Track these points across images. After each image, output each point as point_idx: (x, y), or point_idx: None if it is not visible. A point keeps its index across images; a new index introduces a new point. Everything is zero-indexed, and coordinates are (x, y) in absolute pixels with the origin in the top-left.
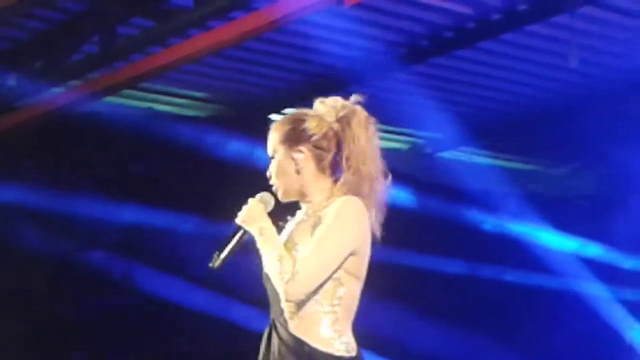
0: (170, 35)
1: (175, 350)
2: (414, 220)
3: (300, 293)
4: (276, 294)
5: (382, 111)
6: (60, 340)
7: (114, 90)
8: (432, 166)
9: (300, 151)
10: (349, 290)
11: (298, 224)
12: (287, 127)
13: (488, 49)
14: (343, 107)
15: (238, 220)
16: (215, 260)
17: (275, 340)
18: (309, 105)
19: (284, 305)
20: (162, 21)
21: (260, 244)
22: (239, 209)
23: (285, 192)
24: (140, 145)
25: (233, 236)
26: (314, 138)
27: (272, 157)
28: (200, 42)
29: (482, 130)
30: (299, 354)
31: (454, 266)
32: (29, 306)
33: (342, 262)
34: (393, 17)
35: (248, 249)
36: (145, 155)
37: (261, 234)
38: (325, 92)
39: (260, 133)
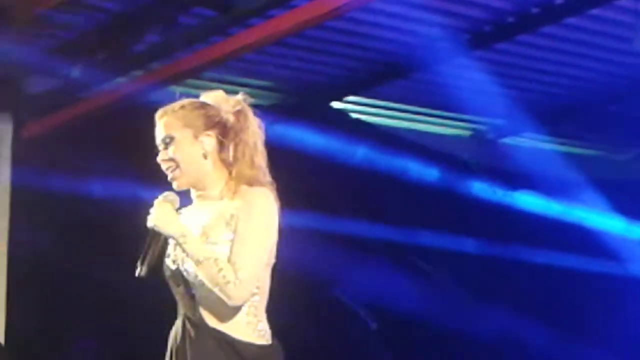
0: (231, 25)
1: None
2: (475, 208)
3: (245, 296)
4: (189, 289)
5: (443, 98)
6: None
7: (176, 79)
8: (494, 152)
9: (209, 135)
10: (264, 278)
11: (207, 218)
12: (191, 112)
13: (551, 33)
14: (237, 101)
15: (151, 225)
16: (141, 269)
17: (192, 337)
18: (372, 93)
19: (199, 302)
20: (224, 10)
21: (184, 248)
22: (307, 197)
23: (184, 178)
24: None
25: (151, 241)
26: (217, 126)
27: (168, 142)
28: (261, 31)
29: (545, 115)
30: (220, 347)
31: (517, 253)
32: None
33: None
34: (455, 3)
35: None
36: None
37: (183, 237)
38: (387, 79)
39: (321, 120)
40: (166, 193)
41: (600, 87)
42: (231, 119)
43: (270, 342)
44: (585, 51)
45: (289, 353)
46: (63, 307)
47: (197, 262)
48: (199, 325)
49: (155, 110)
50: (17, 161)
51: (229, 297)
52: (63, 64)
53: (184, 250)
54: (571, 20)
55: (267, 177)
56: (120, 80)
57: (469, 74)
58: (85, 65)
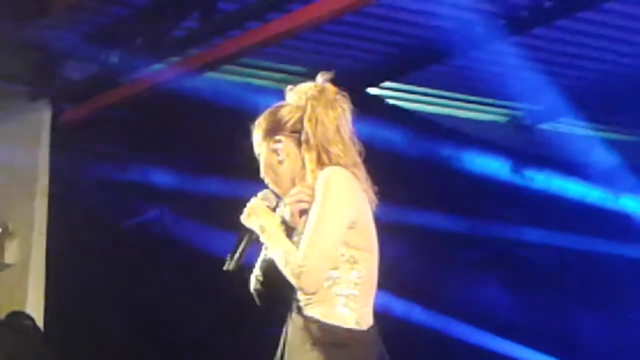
0: (269, 10)
1: None
2: (512, 194)
3: (313, 285)
4: (289, 282)
5: (479, 83)
6: None
7: (213, 66)
8: (531, 138)
9: (279, 140)
10: (365, 267)
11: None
12: (263, 125)
13: (588, 18)
14: (310, 88)
15: (242, 219)
16: (229, 263)
17: (290, 324)
18: (408, 78)
19: (298, 294)
20: None
21: (264, 241)
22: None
23: (278, 186)
24: (238, 120)
25: (242, 236)
26: (288, 124)
27: (259, 160)
28: (298, 17)
29: (583, 101)
30: (307, 331)
31: (556, 240)
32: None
33: (345, 237)
34: None
35: None
36: (245, 130)
37: (262, 231)
38: (423, 65)
39: (358, 107)
40: (265, 191)
41: (639, 72)
42: (308, 109)
43: (363, 328)
44: (624, 36)
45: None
46: (102, 291)
47: (274, 254)
48: (296, 314)
49: (193, 96)
50: (56, 147)
51: (299, 287)
52: (101, 50)
53: (265, 243)
54: (610, 4)
55: (355, 165)
56: (158, 66)
57: (505, 60)
58: (123, 51)
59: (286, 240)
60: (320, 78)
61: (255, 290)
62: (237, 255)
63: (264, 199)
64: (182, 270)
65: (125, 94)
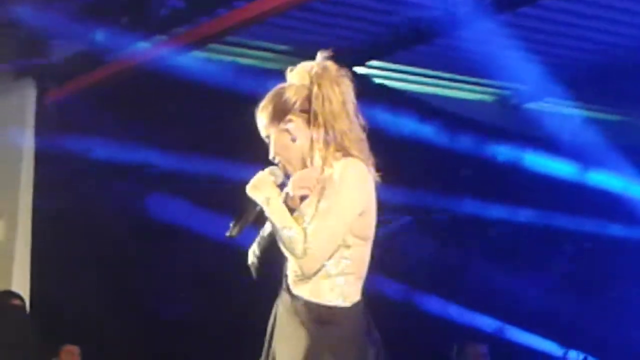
0: None
1: None
2: (500, 174)
3: (314, 267)
4: (283, 260)
5: (466, 63)
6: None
7: (199, 44)
8: (518, 118)
9: (290, 120)
10: (356, 252)
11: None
12: (270, 107)
13: None
14: (312, 67)
15: (247, 190)
16: (232, 230)
17: (279, 303)
18: (395, 58)
19: (288, 271)
20: None
21: (267, 214)
22: None
23: (291, 168)
24: (225, 99)
25: (247, 205)
26: (297, 105)
27: (268, 142)
28: None
29: (570, 80)
30: (294, 309)
31: (541, 218)
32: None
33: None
34: None
35: None
36: (231, 110)
37: (267, 204)
38: (410, 44)
39: None
40: (272, 167)
41: (626, 51)
42: (314, 87)
43: (347, 305)
44: (611, 15)
45: None
46: (87, 269)
47: (275, 229)
48: (285, 293)
49: (179, 74)
50: (41, 127)
51: (300, 267)
52: (86, 29)
53: (268, 215)
54: None
55: (360, 142)
56: (144, 45)
57: (492, 39)
58: (108, 29)
59: (290, 216)
60: (320, 56)
61: (252, 264)
62: (239, 223)
63: (272, 174)
64: (167, 251)
65: (111, 73)
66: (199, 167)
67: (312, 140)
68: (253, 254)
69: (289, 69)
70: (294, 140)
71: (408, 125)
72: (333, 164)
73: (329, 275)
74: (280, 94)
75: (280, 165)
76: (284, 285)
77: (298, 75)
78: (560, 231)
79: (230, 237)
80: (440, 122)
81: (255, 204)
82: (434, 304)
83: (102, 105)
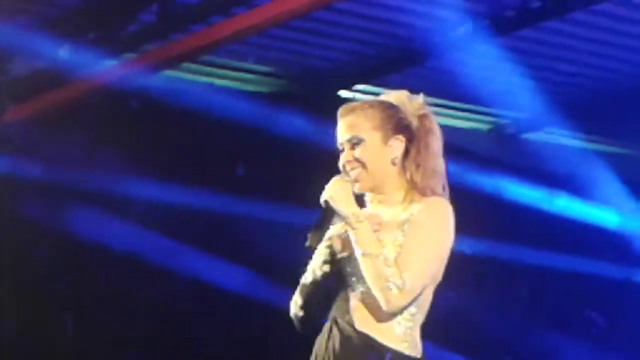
0: (233, 4)
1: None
2: (494, 207)
3: (403, 305)
4: (345, 291)
5: (460, 88)
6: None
7: (172, 63)
8: (515, 149)
9: (399, 140)
10: (427, 294)
11: (381, 219)
12: (382, 113)
13: (579, 19)
14: (422, 104)
15: (325, 197)
16: (311, 239)
17: (336, 338)
18: (384, 81)
19: (353, 304)
20: None
21: (355, 234)
22: (307, 192)
23: (367, 182)
24: (199, 121)
25: (325, 213)
26: (406, 129)
27: (355, 143)
28: (266, 11)
29: (572, 109)
30: (363, 349)
31: (537, 257)
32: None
33: None
34: None
35: None
36: (204, 133)
37: (358, 221)
38: (400, 67)
39: (327, 110)
40: (342, 175)
41: (632, 79)
42: (415, 122)
43: (418, 356)
44: (616, 40)
45: None
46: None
47: (364, 255)
48: (348, 328)
49: (149, 95)
50: None
51: (388, 301)
52: (49, 44)
53: (354, 237)
54: (601, 6)
55: (445, 187)
56: (112, 62)
57: (488, 63)
58: (73, 45)
59: (381, 245)
60: (421, 97)
61: (296, 316)
62: (319, 232)
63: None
64: (126, 278)
65: (75, 93)
66: (168, 193)
67: (402, 171)
68: (296, 304)
69: (385, 93)
70: (393, 162)
71: None
72: (417, 200)
73: (401, 317)
74: (394, 108)
75: (350, 176)
76: (342, 320)
77: (400, 100)
78: (550, 269)
79: (310, 247)
80: None
81: (333, 213)
82: None
83: (66, 127)
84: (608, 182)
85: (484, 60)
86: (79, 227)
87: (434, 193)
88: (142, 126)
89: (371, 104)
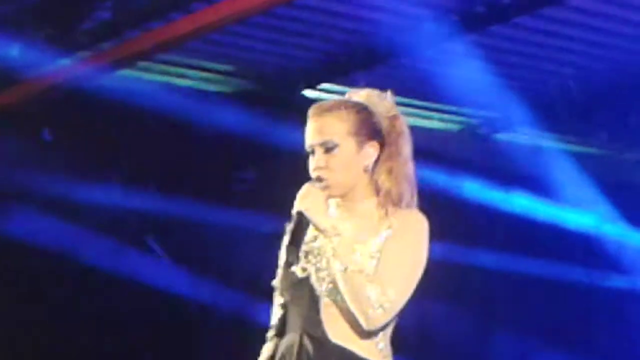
0: (192, 0)
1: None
2: (464, 210)
3: (385, 323)
4: (315, 302)
5: (429, 87)
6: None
7: (128, 62)
8: (486, 149)
9: (374, 147)
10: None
11: (354, 229)
12: (357, 116)
13: (553, 15)
14: (392, 104)
15: (301, 208)
16: (288, 255)
17: (311, 355)
18: (349, 80)
19: (323, 315)
20: None
21: (332, 248)
22: (272, 199)
23: (337, 189)
24: (156, 123)
25: (298, 230)
26: (379, 134)
27: (330, 148)
28: (226, 7)
29: (545, 108)
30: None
31: (508, 261)
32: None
33: None
34: None
35: None
36: (162, 135)
37: (337, 235)
38: (366, 65)
39: (291, 111)
40: (314, 178)
41: (608, 76)
42: (385, 124)
43: None
44: (593, 37)
45: None
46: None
47: (344, 270)
48: (322, 341)
49: (104, 95)
50: None
51: (370, 319)
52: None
53: (331, 250)
54: (576, 0)
55: (414, 193)
56: (65, 61)
57: (458, 61)
58: (24, 43)
59: (363, 260)
60: (390, 96)
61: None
62: (295, 245)
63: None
64: (78, 286)
65: (27, 93)
66: (124, 199)
67: (374, 176)
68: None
69: (352, 91)
70: (365, 170)
71: None
72: (393, 213)
73: (382, 333)
74: (367, 110)
75: (323, 183)
76: (313, 332)
77: (370, 100)
78: (523, 275)
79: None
80: None
81: (303, 228)
82: None
83: (16, 129)
84: (581, 184)
85: (453, 58)
86: (19, 229)
87: (406, 202)
88: (95, 127)
89: (345, 105)
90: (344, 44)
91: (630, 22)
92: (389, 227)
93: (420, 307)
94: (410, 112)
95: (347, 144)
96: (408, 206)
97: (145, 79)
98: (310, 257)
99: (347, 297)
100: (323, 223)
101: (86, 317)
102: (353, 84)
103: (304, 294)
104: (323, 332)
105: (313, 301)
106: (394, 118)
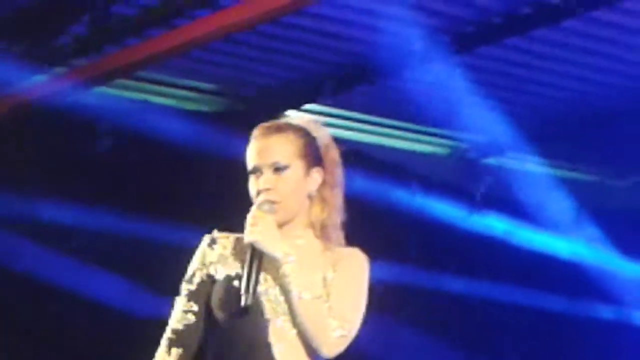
0: (173, 16)
1: None
2: (452, 236)
3: (343, 348)
4: (265, 326)
5: (417, 108)
6: None
7: (105, 79)
8: (475, 174)
9: (319, 172)
10: None
11: (302, 252)
12: (304, 140)
13: (545, 37)
14: (327, 132)
15: (252, 239)
16: (247, 297)
17: None
18: (334, 101)
19: (272, 338)
20: None
21: (287, 274)
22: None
23: (284, 213)
24: (134, 143)
25: (252, 261)
26: (321, 162)
27: (280, 169)
28: (208, 24)
29: (535, 133)
30: None
31: (498, 292)
32: None
33: None
34: None
35: None
36: (140, 155)
37: (292, 261)
38: (353, 85)
39: None
40: (261, 202)
41: (600, 101)
42: (323, 152)
43: None
44: (585, 59)
45: None
46: None
47: (299, 297)
48: None
49: (80, 113)
50: None
51: (327, 345)
52: None
53: (286, 277)
54: (569, 22)
55: (342, 227)
56: (40, 77)
57: (447, 82)
58: None
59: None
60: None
61: None
62: (252, 286)
63: (266, 212)
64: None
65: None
66: (98, 221)
67: (314, 208)
68: None
69: (289, 118)
70: (310, 196)
71: (350, 179)
72: (332, 250)
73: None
74: (312, 136)
75: (269, 207)
76: (263, 354)
77: (309, 127)
78: (510, 305)
79: (247, 307)
80: (386, 177)
81: (259, 256)
82: None
83: None
84: (569, 210)
85: (442, 79)
86: None
87: (336, 235)
88: (73, 146)
89: (293, 128)
90: (329, 63)
91: (626, 46)
92: (332, 267)
93: (397, 333)
94: (397, 135)
95: (296, 167)
96: (338, 239)
97: (122, 96)
98: (269, 279)
99: (305, 323)
100: (276, 251)
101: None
102: (337, 104)
103: (258, 318)
104: (270, 356)
105: (261, 325)
106: (329, 146)
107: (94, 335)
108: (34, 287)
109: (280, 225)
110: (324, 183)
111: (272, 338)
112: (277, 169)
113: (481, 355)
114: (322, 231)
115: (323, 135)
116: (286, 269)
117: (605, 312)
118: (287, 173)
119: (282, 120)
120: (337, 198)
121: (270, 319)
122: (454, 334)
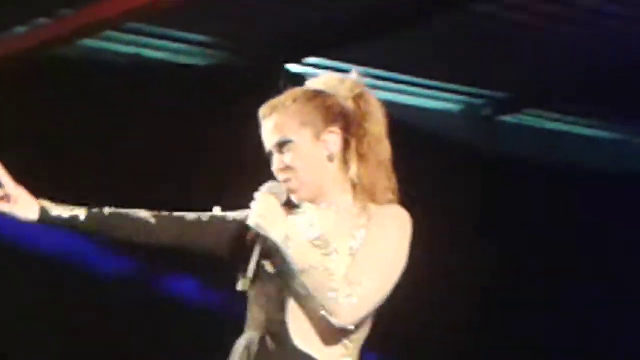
0: None
1: None
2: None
3: (355, 319)
4: (280, 302)
5: (429, 63)
6: None
7: (90, 30)
8: (489, 132)
9: (334, 132)
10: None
11: (328, 223)
12: (307, 105)
13: None
14: (354, 83)
15: (253, 223)
16: (244, 282)
17: (272, 355)
18: (338, 54)
19: (289, 316)
20: None
21: (285, 254)
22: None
23: (305, 190)
24: (124, 99)
25: (252, 246)
26: (340, 117)
27: (283, 146)
28: None
29: (559, 88)
30: None
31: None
32: None
33: None
34: None
35: None
36: (130, 112)
37: (286, 241)
38: (358, 38)
39: (273, 87)
40: (271, 184)
41: (623, 53)
42: (351, 106)
43: None
44: (607, 8)
45: None
46: None
47: (302, 271)
48: (285, 343)
49: (65, 68)
50: None
51: (334, 314)
52: None
53: (284, 257)
54: None
55: (393, 179)
56: (21, 29)
57: (462, 34)
58: None
59: (319, 254)
60: (356, 74)
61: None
62: (251, 271)
63: (274, 194)
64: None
65: None
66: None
67: (343, 167)
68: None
69: (310, 80)
70: (330, 158)
71: None
72: (370, 208)
73: (348, 341)
74: (320, 95)
75: (286, 185)
76: (276, 332)
77: (328, 84)
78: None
79: (243, 291)
80: (395, 136)
81: (263, 240)
82: None
83: None
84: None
85: (456, 31)
86: None
87: (381, 191)
88: (55, 103)
89: (294, 97)
90: (335, 11)
91: None
92: (368, 219)
93: None
94: (406, 90)
95: (301, 137)
96: (384, 195)
97: (111, 50)
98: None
99: (312, 296)
100: (277, 236)
101: None
102: (341, 58)
103: (273, 291)
104: (287, 334)
105: (279, 301)
106: (358, 97)
107: None
108: None
109: (312, 200)
110: (356, 137)
111: (289, 309)
112: (281, 147)
113: None
114: (362, 192)
115: (346, 88)
116: (284, 250)
117: None
118: (292, 147)
119: (291, 90)
120: (372, 150)
121: (287, 297)
122: None
